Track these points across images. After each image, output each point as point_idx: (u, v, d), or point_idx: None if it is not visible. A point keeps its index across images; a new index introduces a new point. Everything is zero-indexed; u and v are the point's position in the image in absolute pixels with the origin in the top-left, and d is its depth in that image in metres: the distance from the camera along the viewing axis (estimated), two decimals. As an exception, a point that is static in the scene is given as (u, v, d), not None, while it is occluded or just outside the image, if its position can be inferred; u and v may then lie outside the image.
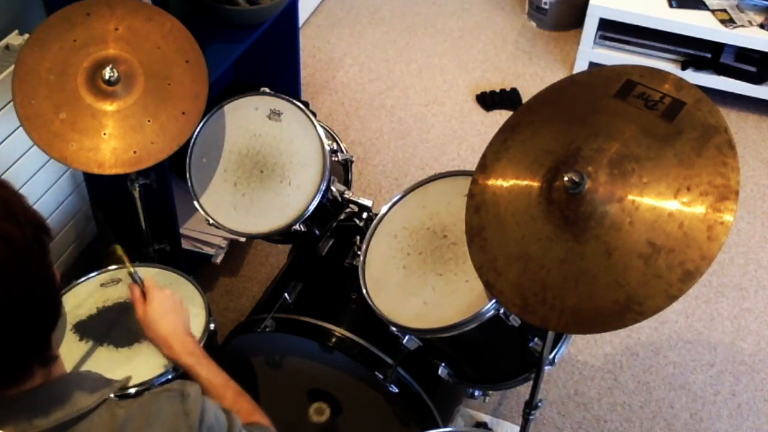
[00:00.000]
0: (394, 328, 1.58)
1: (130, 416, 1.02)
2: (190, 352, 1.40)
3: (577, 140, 1.31)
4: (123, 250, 1.57)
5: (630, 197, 1.23)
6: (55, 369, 1.02)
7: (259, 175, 1.81)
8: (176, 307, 1.47)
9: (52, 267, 0.99)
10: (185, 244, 2.39)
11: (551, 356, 1.65)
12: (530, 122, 1.42)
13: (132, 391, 1.51)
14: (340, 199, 1.85)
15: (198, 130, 1.82)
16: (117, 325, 1.69)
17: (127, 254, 1.59)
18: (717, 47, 3.15)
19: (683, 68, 3.18)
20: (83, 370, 1.06)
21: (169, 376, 1.59)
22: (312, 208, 1.75)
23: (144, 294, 1.49)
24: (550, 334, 1.48)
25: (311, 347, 1.73)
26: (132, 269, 1.55)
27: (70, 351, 1.62)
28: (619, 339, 2.42)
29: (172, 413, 1.05)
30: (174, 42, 1.71)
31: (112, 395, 1.04)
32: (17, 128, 1.89)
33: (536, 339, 1.59)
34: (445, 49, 3.50)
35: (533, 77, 3.37)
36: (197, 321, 1.72)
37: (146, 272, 1.81)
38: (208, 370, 1.37)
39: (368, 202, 1.87)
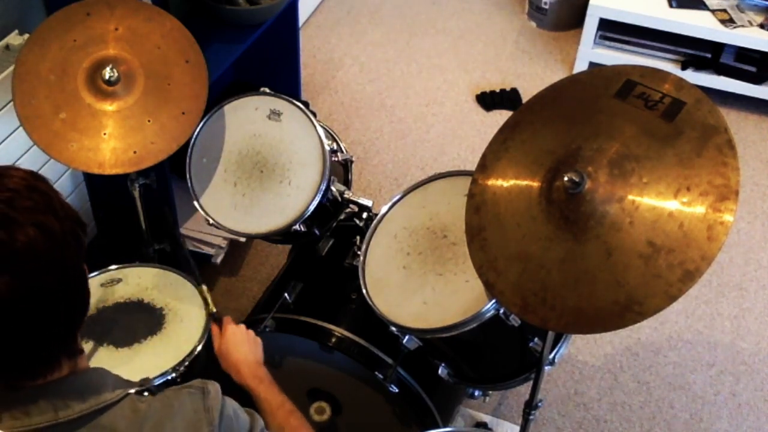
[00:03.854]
0: (394, 328, 1.58)
1: (151, 411, 1.04)
2: (255, 376, 1.49)
3: (577, 140, 1.31)
4: (208, 291, 1.72)
5: (630, 197, 1.23)
6: (80, 362, 1.04)
7: (259, 175, 1.81)
8: (249, 340, 1.57)
9: (84, 262, 1.00)
10: (185, 244, 2.39)
11: (551, 356, 1.65)
12: (530, 122, 1.42)
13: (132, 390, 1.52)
14: (340, 199, 1.85)
15: (198, 130, 1.82)
16: (117, 325, 1.69)
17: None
18: (717, 47, 3.15)
19: (683, 68, 3.18)
20: (101, 367, 1.07)
21: (169, 377, 1.59)
22: (312, 208, 1.75)
23: (221, 329, 1.60)
24: (550, 334, 1.48)
25: (311, 347, 1.73)
26: (214, 309, 1.69)
27: (70, 351, 1.62)
28: (619, 339, 2.42)
29: (193, 409, 1.07)
30: (174, 42, 1.71)
31: (133, 391, 1.06)
32: (17, 128, 1.89)
33: (536, 339, 1.59)
34: (445, 49, 3.50)
35: (533, 77, 3.37)
36: (197, 321, 1.72)
37: (146, 272, 1.81)
38: (267, 391, 1.45)
39: (368, 202, 1.87)
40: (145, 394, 1.09)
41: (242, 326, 1.59)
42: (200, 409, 1.07)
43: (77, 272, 0.98)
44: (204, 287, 1.74)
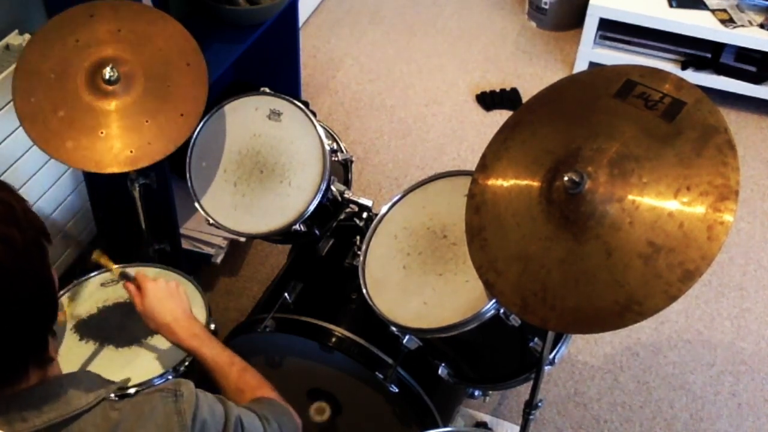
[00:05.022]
0: (394, 328, 1.58)
1: (123, 417, 1.03)
2: (193, 334, 1.41)
3: (577, 140, 1.31)
4: (102, 252, 1.60)
5: (630, 197, 1.23)
6: (51, 370, 1.02)
7: (259, 175, 1.81)
8: (172, 294, 1.47)
9: (51, 270, 0.99)
10: (185, 244, 2.39)
11: (551, 356, 1.65)
12: (530, 122, 1.42)
13: (132, 391, 1.51)
14: (340, 199, 1.85)
15: (198, 130, 1.82)
16: (117, 325, 1.69)
17: (109, 255, 1.61)
18: (717, 47, 3.15)
19: (683, 68, 3.18)
20: (80, 371, 1.06)
21: (169, 377, 1.59)
22: (312, 208, 1.75)
23: (139, 288, 1.50)
24: (550, 334, 1.48)
25: (311, 347, 1.73)
26: (118, 269, 1.57)
27: (70, 351, 1.63)
28: (619, 339, 2.42)
29: (165, 413, 1.06)
30: (176, 46, 1.71)
31: (112, 395, 1.05)
32: (17, 128, 1.89)
33: (536, 339, 1.59)
34: (445, 49, 3.50)
35: (533, 77, 3.37)
36: (197, 321, 1.72)
37: (146, 272, 1.81)
38: (212, 350, 1.38)
39: (368, 202, 1.87)
40: (131, 390, 1.08)
41: (160, 280, 1.49)
42: (172, 413, 1.06)
43: (41, 281, 0.97)
44: (96, 251, 1.60)
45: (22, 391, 0.98)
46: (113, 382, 1.09)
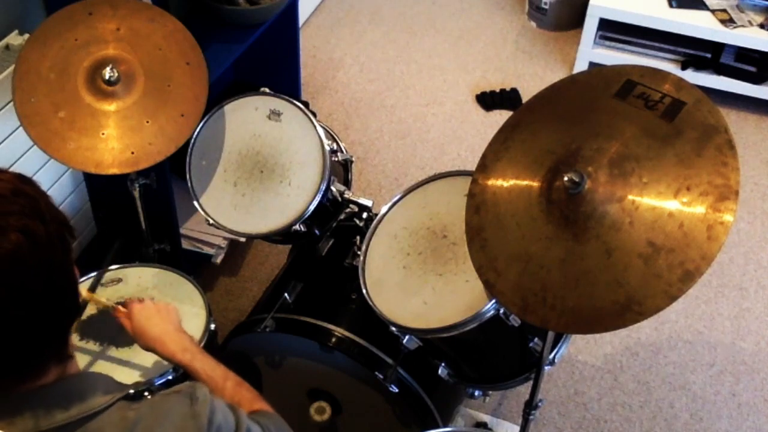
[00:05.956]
0: (394, 328, 1.58)
1: (140, 417, 1.02)
2: (184, 348, 1.39)
3: (577, 140, 1.31)
4: (91, 293, 1.63)
5: (630, 197, 1.23)
6: (70, 367, 1.03)
7: (259, 176, 1.81)
8: (160, 311, 1.46)
9: (74, 265, 1.00)
10: (185, 244, 2.39)
11: (551, 356, 1.65)
12: (530, 122, 1.42)
13: (131, 391, 1.51)
14: (340, 199, 1.85)
15: (198, 130, 1.82)
16: (117, 326, 1.69)
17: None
18: (717, 47, 3.15)
19: (683, 68, 3.18)
20: (95, 371, 1.06)
21: (170, 377, 1.59)
22: (312, 208, 1.75)
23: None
24: (550, 334, 1.48)
25: (311, 347, 1.73)
26: (106, 302, 1.56)
27: (70, 351, 1.62)
28: (619, 339, 2.42)
29: (181, 415, 1.06)
30: (175, 44, 1.70)
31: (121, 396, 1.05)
32: (17, 128, 1.89)
33: (536, 339, 1.59)
34: (445, 49, 3.50)
35: (533, 77, 3.36)
36: (197, 321, 1.72)
37: (146, 272, 1.81)
38: (205, 364, 1.36)
39: (368, 202, 1.87)
40: (130, 391, 1.08)
41: (147, 301, 1.48)
42: (188, 415, 1.06)
43: (65, 276, 0.97)
44: (86, 293, 1.62)
45: (42, 388, 0.98)
46: (126, 385, 1.09)
